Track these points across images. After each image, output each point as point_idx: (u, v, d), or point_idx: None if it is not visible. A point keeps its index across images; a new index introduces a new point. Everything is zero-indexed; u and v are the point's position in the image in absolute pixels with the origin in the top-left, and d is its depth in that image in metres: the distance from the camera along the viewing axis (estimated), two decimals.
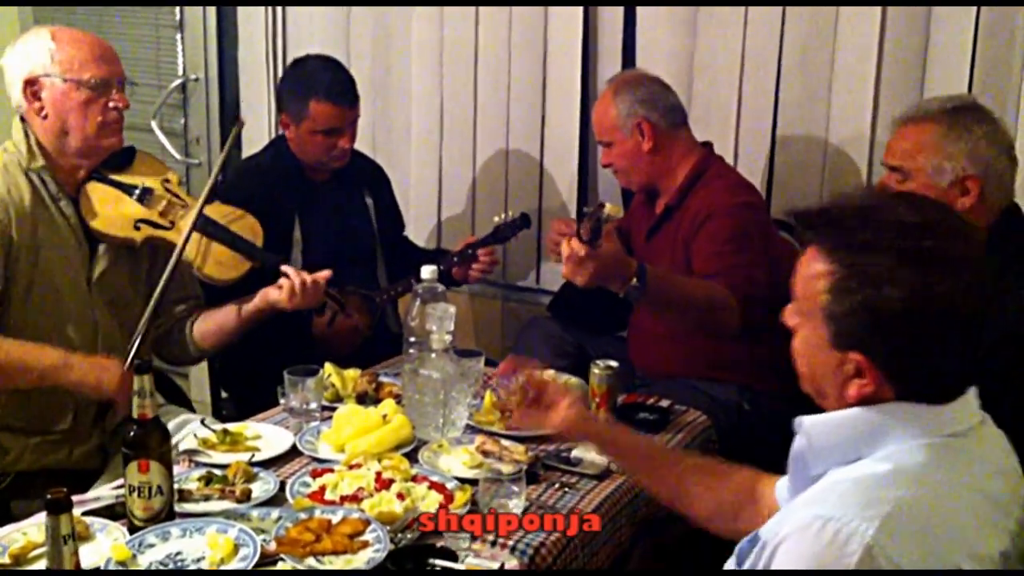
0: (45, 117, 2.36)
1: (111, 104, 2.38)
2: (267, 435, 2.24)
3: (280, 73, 3.80)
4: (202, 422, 2.30)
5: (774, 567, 1.26)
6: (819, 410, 1.44)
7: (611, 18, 3.33)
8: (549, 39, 3.42)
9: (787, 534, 1.26)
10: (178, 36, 4.21)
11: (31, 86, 2.35)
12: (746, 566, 1.36)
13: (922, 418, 1.32)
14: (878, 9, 2.90)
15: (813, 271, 1.36)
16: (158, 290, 2.42)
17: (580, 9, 3.32)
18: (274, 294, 2.53)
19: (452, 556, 1.74)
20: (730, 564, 1.46)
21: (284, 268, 2.56)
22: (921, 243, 1.29)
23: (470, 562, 1.70)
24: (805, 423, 1.40)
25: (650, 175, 2.82)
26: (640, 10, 3.27)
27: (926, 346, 1.30)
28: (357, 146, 3.06)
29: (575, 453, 2.16)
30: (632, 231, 2.96)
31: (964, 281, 1.28)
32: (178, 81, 4.19)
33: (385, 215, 3.21)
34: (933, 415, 1.33)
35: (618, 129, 2.78)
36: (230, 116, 4.08)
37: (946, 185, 2.18)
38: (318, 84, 2.89)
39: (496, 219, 3.09)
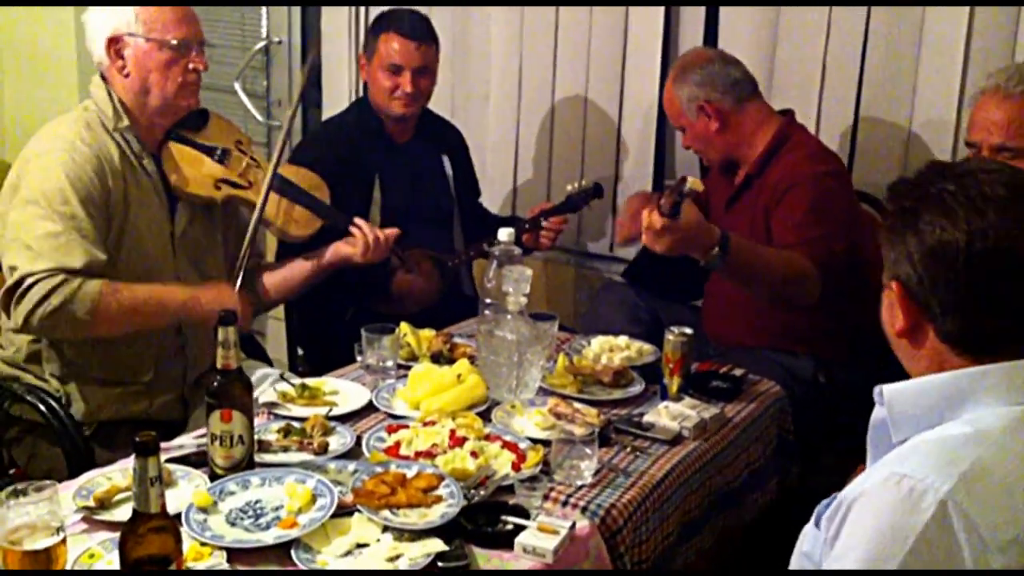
0: (127, 75, 2.40)
1: (191, 65, 2.42)
2: (344, 390, 2.28)
3: (362, 37, 3.84)
4: (281, 376, 2.35)
5: (848, 522, 1.27)
6: (898, 379, 1.42)
7: None
8: (630, 12, 3.39)
9: (864, 490, 1.27)
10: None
11: (114, 44, 2.39)
12: (822, 525, 1.36)
13: (1007, 384, 1.31)
14: None
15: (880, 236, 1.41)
16: (248, 235, 2.51)
17: None
18: (346, 249, 2.64)
19: (524, 514, 1.76)
20: (808, 527, 1.46)
21: (357, 221, 2.65)
22: (961, 183, 1.31)
23: (541, 520, 1.72)
24: (886, 392, 1.39)
25: (725, 151, 2.82)
26: None
27: (958, 285, 1.31)
28: (437, 111, 3.08)
29: (647, 418, 2.16)
30: (711, 201, 2.94)
31: (991, 223, 1.28)
32: (261, 44, 4.24)
33: (462, 179, 3.23)
34: (1014, 378, 1.31)
35: (683, 114, 2.80)
36: (312, 79, 4.13)
37: None
38: (392, 20, 2.96)
39: (569, 188, 3.08)
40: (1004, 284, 1.30)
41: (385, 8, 3.14)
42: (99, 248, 2.28)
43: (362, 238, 2.62)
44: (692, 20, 3.33)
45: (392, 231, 2.66)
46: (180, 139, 2.52)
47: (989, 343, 1.33)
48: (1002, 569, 1.20)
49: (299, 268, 2.66)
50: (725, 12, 3.24)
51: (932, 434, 1.31)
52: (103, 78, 2.44)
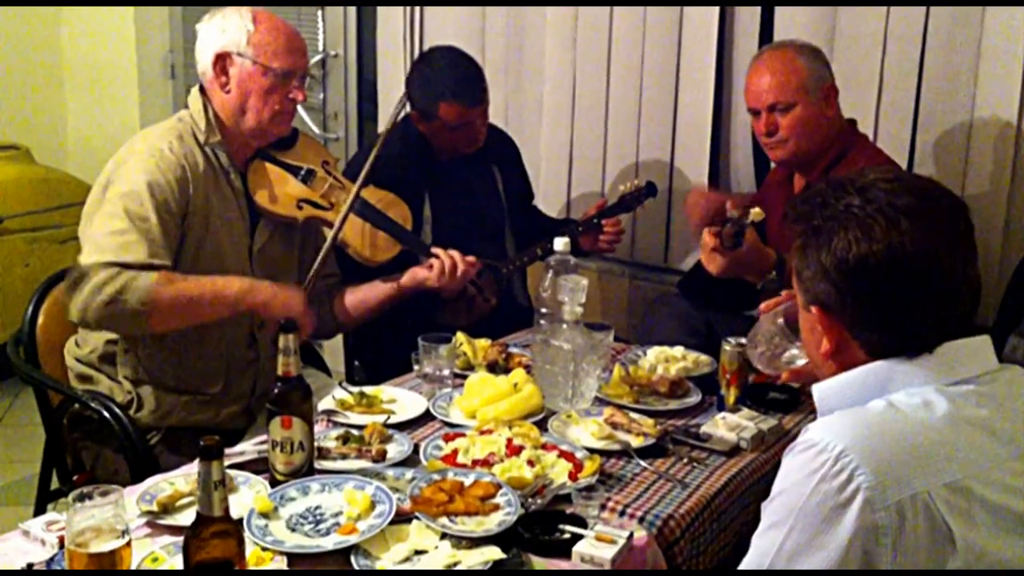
0: (228, 92, 2.44)
1: (290, 95, 2.46)
2: (401, 399, 2.30)
3: (417, 51, 3.87)
4: (340, 384, 2.37)
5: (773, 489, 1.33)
6: None
7: None
8: (685, 16, 3.39)
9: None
10: (319, 12, 4.32)
11: (222, 60, 2.43)
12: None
13: (925, 368, 1.35)
14: None
15: (792, 246, 1.45)
16: (322, 254, 2.52)
17: None
18: (422, 273, 2.64)
19: (581, 523, 1.75)
20: None
21: (435, 250, 2.65)
22: (866, 196, 1.34)
23: (599, 530, 1.71)
24: (816, 390, 1.45)
25: (821, 143, 2.71)
26: None
27: (881, 296, 1.34)
28: (490, 118, 3.09)
29: (704, 429, 2.15)
30: (768, 210, 2.91)
31: (906, 231, 1.31)
32: (318, 57, 4.30)
33: (513, 187, 3.22)
34: (933, 364, 1.35)
35: (806, 89, 2.68)
36: (367, 92, 4.17)
37: None
38: (445, 86, 2.89)
39: (622, 188, 3.07)
40: (924, 289, 1.33)
41: (427, 50, 3.08)
42: (164, 252, 2.31)
43: (439, 264, 2.62)
44: (747, 21, 3.31)
45: (471, 259, 2.66)
46: (267, 157, 2.55)
47: (910, 346, 1.36)
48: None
49: (376, 290, 2.67)
50: (780, 12, 3.23)
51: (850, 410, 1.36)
52: (202, 90, 2.48)
